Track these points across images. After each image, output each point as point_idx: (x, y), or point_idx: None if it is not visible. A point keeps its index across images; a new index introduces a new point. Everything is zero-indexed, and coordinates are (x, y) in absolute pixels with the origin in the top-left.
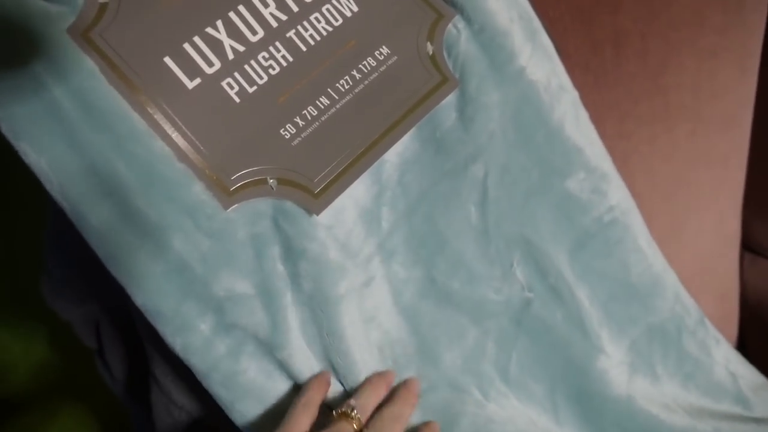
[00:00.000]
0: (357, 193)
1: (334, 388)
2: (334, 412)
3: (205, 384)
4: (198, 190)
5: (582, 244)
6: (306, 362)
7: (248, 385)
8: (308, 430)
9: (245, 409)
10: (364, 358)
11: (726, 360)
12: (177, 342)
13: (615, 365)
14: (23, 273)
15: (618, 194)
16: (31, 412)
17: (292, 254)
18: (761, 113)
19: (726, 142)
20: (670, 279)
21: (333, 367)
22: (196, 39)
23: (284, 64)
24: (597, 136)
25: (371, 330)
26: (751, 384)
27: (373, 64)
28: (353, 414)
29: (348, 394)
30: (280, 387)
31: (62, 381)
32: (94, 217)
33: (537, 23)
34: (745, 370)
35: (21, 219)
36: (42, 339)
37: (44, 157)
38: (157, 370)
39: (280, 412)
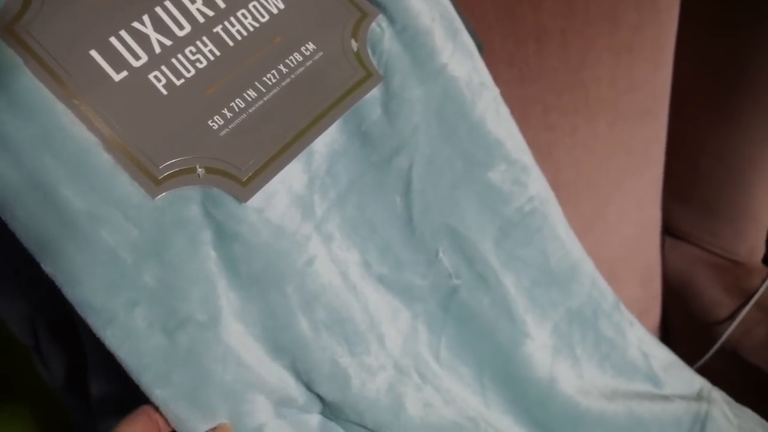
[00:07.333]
0: (289, 180)
1: (280, 375)
2: None
3: (136, 380)
4: (125, 180)
5: (505, 233)
6: (247, 350)
7: (183, 384)
8: None
9: (182, 412)
10: (309, 336)
11: (639, 341)
12: (107, 334)
13: (539, 349)
14: None
15: (537, 185)
16: None
17: (224, 239)
18: (677, 105)
19: (644, 133)
20: (587, 266)
21: (276, 348)
22: (123, 33)
23: (211, 58)
24: (517, 130)
25: (316, 310)
26: (662, 363)
27: (300, 59)
28: None
29: (298, 378)
30: (219, 383)
31: None
32: (20, 210)
33: (458, 23)
34: (657, 350)
35: None
36: None
37: None
38: (94, 363)
39: (218, 414)
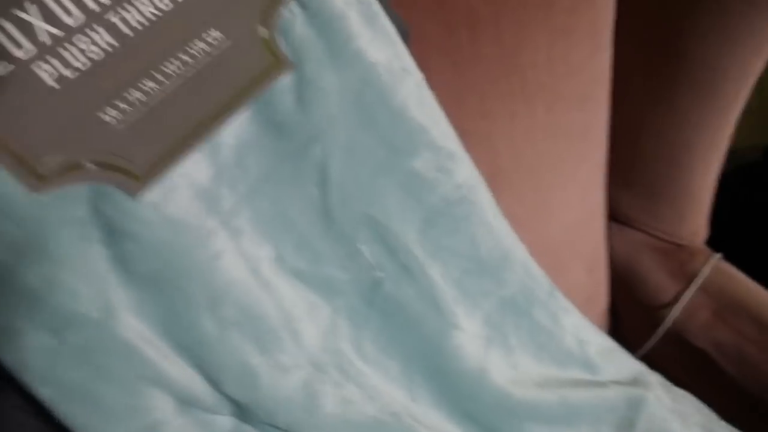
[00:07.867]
0: (191, 173)
1: (185, 373)
2: None
3: (24, 382)
4: (2, 176)
5: (431, 222)
6: (149, 345)
7: (72, 381)
8: None
9: (72, 410)
10: (214, 336)
11: (575, 328)
12: None
13: (470, 339)
14: None
15: (464, 172)
16: None
17: (115, 237)
18: (617, 89)
19: (584, 117)
20: (519, 253)
21: (180, 347)
22: (3, 22)
23: (107, 48)
24: (443, 116)
25: (223, 308)
26: (599, 349)
27: (205, 49)
28: None
29: (206, 378)
30: (113, 378)
31: None
32: None
33: (377, 7)
34: (594, 337)
35: None
36: None
37: None
38: None
39: (112, 411)
